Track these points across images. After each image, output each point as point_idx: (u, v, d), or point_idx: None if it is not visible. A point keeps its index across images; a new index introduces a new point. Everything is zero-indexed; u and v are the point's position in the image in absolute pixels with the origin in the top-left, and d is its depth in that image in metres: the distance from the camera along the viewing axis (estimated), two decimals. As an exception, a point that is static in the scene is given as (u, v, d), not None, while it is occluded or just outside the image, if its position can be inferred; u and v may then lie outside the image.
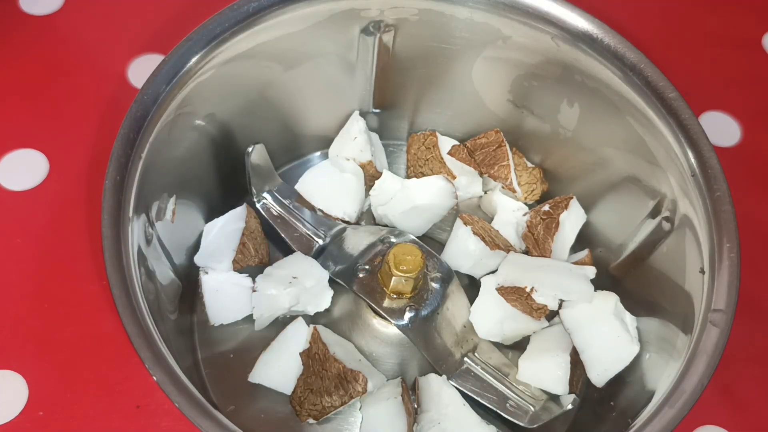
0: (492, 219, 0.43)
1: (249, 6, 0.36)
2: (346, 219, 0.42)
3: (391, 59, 0.41)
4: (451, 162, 0.43)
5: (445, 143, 0.44)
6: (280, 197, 0.42)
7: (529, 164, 0.44)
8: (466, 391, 0.38)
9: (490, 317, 0.39)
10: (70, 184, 0.43)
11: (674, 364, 0.32)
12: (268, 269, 0.39)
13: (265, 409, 0.38)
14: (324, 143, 0.44)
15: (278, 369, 0.38)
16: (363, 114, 0.43)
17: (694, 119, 0.35)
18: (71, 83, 0.46)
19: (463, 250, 0.40)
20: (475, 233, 0.39)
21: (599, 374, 0.37)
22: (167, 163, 0.36)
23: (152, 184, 0.34)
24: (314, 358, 0.37)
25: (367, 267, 0.38)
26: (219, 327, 0.39)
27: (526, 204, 0.43)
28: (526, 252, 0.41)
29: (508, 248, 0.41)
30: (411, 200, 0.41)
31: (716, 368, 0.30)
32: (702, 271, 0.33)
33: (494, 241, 0.40)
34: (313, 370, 0.37)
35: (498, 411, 0.38)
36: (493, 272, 0.40)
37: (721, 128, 0.48)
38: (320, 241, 0.41)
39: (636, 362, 0.36)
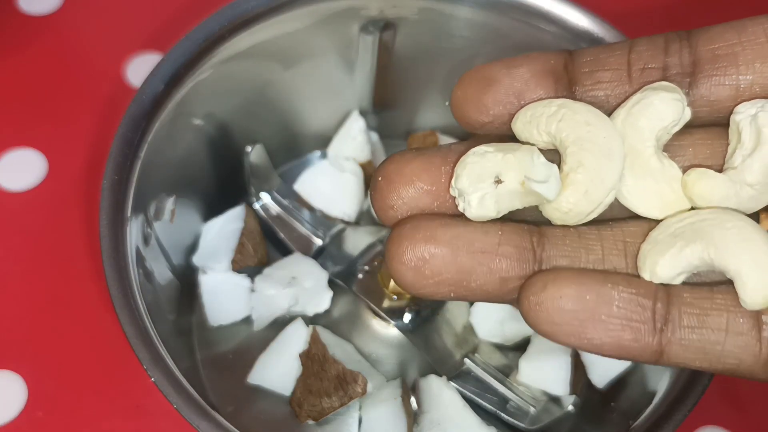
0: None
1: (248, 5, 0.36)
2: (346, 219, 0.42)
3: (391, 59, 0.41)
4: (451, 162, 0.43)
5: (445, 143, 0.44)
6: (279, 197, 0.42)
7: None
8: (466, 392, 0.38)
9: (491, 318, 0.39)
10: (68, 184, 0.43)
11: (675, 364, 0.32)
12: (266, 269, 0.39)
13: (264, 410, 0.38)
14: (323, 143, 0.44)
15: (277, 370, 0.38)
16: (362, 113, 0.43)
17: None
18: (70, 82, 0.46)
19: (464, 250, 0.40)
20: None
21: (600, 375, 0.37)
22: (166, 162, 0.36)
23: (151, 184, 0.34)
24: (313, 359, 0.37)
25: (366, 267, 0.38)
26: (218, 327, 0.39)
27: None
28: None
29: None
30: (411, 200, 0.41)
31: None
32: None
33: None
34: (312, 371, 0.37)
35: (498, 412, 0.37)
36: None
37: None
38: (319, 242, 0.41)
39: (637, 363, 0.36)
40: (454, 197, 0.22)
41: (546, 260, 0.21)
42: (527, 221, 0.22)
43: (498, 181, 0.21)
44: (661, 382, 0.33)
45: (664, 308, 0.20)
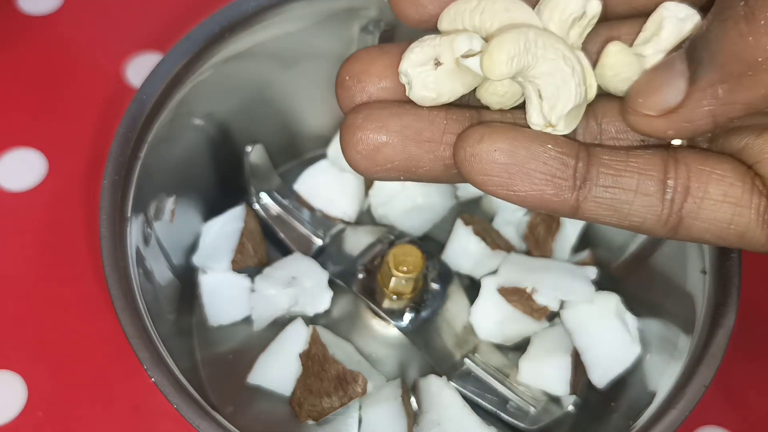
0: (492, 219, 0.43)
1: (248, 5, 0.36)
2: (346, 219, 0.42)
3: (391, 59, 0.41)
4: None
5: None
6: (279, 197, 0.42)
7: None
8: (466, 392, 0.38)
9: (491, 318, 0.38)
10: (68, 184, 0.43)
11: (675, 364, 0.32)
12: (266, 269, 0.39)
13: (264, 411, 0.38)
14: (323, 143, 0.44)
15: (277, 370, 0.38)
16: (362, 113, 0.43)
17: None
18: (69, 82, 0.46)
19: (464, 250, 0.40)
20: (475, 233, 0.39)
21: (600, 375, 0.37)
22: (166, 162, 0.36)
23: (151, 184, 0.34)
24: (313, 359, 0.37)
25: (366, 267, 0.38)
26: (218, 328, 0.39)
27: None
28: (527, 252, 0.41)
29: (508, 248, 0.40)
30: (411, 200, 0.41)
31: (718, 369, 0.30)
32: (703, 272, 0.33)
33: (495, 242, 0.40)
34: (312, 371, 0.37)
35: (498, 412, 0.37)
36: (493, 273, 0.40)
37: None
38: (319, 242, 0.41)
39: (637, 363, 0.36)
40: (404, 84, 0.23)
41: None
42: (472, 107, 0.23)
43: (437, 63, 0.22)
44: (661, 382, 0.33)
45: (585, 167, 0.21)
